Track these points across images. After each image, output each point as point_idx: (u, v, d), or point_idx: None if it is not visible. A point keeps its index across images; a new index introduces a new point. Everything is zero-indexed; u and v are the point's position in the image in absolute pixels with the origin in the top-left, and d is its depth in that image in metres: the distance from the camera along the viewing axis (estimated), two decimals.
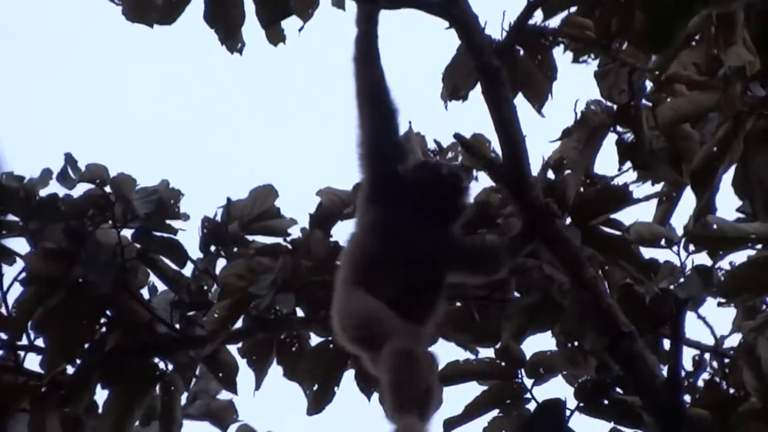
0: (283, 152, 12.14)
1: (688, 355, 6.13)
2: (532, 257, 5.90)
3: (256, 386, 6.78)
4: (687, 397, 5.98)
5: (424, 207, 5.60)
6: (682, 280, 6.03)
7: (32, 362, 6.75)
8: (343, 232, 6.58)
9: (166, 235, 6.80)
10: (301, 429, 7.24)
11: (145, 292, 6.86)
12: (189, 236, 6.86)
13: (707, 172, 5.92)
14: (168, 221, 6.79)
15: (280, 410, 7.36)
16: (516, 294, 6.37)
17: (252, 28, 6.45)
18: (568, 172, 6.14)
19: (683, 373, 5.71)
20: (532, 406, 6.24)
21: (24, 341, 6.76)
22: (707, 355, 6.16)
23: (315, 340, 6.73)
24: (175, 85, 12.74)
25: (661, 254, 6.20)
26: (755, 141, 5.91)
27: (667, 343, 6.06)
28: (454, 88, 6.33)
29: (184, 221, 6.82)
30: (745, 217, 6.15)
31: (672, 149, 6.11)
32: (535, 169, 5.90)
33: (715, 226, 5.75)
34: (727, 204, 6.14)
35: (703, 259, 5.95)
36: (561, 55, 6.28)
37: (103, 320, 6.74)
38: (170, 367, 6.85)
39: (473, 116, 6.14)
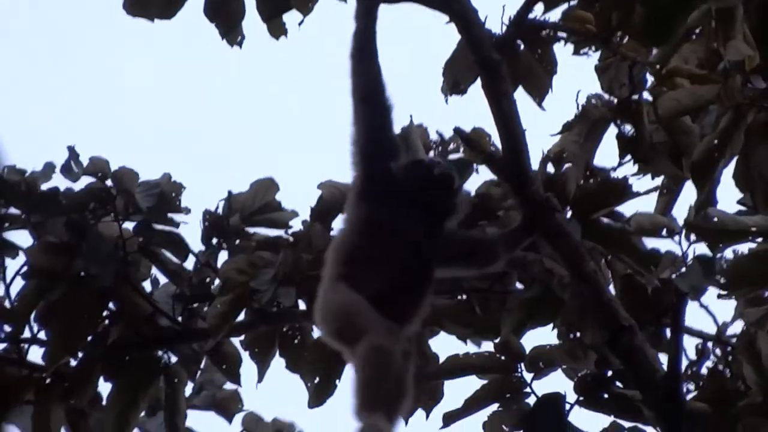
0: (283, 145, 12.16)
1: (691, 343, 6.17)
2: (533, 251, 5.89)
3: (259, 378, 6.79)
4: (691, 386, 6.00)
5: (415, 205, 5.56)
6: (683, 269, 6.01)
7: (35, 355, 6.79)
8: None
9: (167, 228, 6.82)
10: (303, 422, 7.28)
11: (147, 285, 6.88)
12: (190, 229, 6.89)
13: (708, 164, 5.92)
14: (169, 214, 6.80)
15: (282, 403, 7.40)
16: (519, 285, 6.37)
17: (252, 22, 6.47)
18: (568, 165, 6.12)
19: (686, 362, 5.71)
20: (531, 400, 6.27)
21: (27, 334, 6.78)
22: (710, 344, 6.17)
23: (317, 332, 6.72)
24: (175, 80, 12.77)
25: (663, 244, 6.22)
26: (756, 134, 5.91)
27: (669, 334, 6.05)
28: (454, 82, 6.32)
29: (185, 214, 6.84)
30: (745, 209, 6.14)
31: (672, 143, 6.09)
32: (535, 162, 5.91)
33: (715, 219, 5.75)
34: (728, 196, 6.14)
35: (704, 248, 5.94)
36: (561, 49, 6.28)
37: (105, 313, 6.76)
38: (173, 359, 6.87)
39: (473, 110, 6.13)
